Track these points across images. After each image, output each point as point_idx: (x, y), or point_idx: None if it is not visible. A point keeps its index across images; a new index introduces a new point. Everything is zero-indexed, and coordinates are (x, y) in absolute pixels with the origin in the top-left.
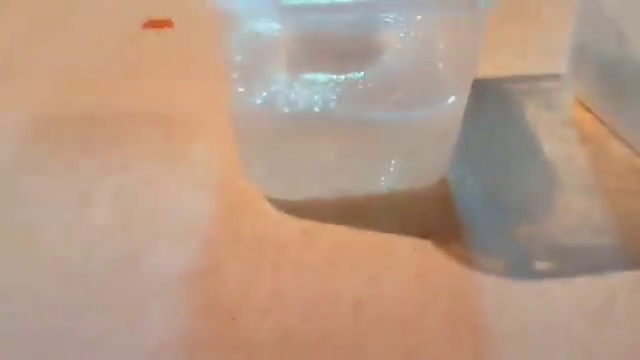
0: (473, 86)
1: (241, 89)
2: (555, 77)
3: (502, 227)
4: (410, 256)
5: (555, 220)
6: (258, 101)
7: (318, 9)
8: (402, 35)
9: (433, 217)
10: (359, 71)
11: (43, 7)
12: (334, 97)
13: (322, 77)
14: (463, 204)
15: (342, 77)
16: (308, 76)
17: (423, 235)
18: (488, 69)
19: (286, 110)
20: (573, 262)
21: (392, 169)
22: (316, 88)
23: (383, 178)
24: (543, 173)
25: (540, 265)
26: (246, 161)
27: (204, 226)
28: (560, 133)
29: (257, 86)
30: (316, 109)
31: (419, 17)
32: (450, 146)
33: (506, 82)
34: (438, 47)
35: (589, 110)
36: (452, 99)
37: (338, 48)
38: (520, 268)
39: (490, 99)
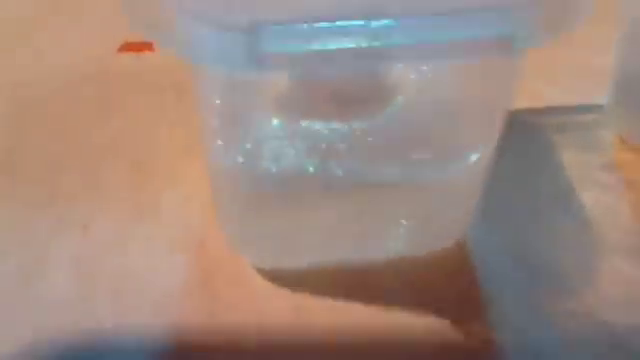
0: None
1: (219, 142)
2: (594, 109)
3: (534, 301)
4: (423, 339)
5: (600, 293)
6: (240, 158)
7: (308, 58)
8: (417, 77)
9: (450, 288)
10: (366, 120)
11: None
12: (335, 153)
13: (320, 126)
14: (486, 271)
15: (345, 127)
16: (303, 124)
17: (438, 311)
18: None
19: (274, 169)
20: (622, 351)
21: (401, 231)
22: (312, 140)
23: (390, 243)
24: (582, 230)
25: (582, 352)
26: (226, 225)
27: (176, 302)
28: (600, 179)
29: (239, 138)
30: (311, 168)
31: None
32: (471, 206)
33: (535, 115)
34: (461, 93)
35: (635, 150)
36: (476, 156)
37: (340, 90)
38: (556, 355)
39: (516, 136)
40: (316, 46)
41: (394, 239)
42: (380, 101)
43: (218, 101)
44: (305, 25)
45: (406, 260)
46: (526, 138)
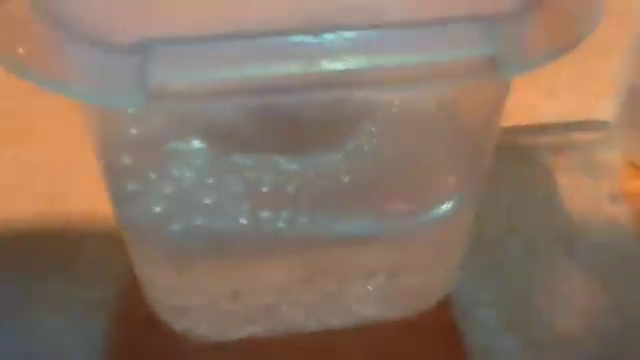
0: None
1: (131, 185)
2: (596, 126)
3: None
4: None
5: None
6: (157, 207)
7: (222, 88)
8: (386, 106)
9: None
10: (320, 157)
11: None
12: (278, 200)
13: (259, 164)
14: (476, 340)
15: (292, 165)
16: (237, 160)
17: None
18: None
19: (200, 221)
20: None
21: (371, 289)
22: (249, 183)
23: (357, 305)
24: (587, 279)
25: None
26: (148, 286)
27: None
28: (606, 211)
29: (158, 177)
30: (243, 220)
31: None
32: (455, 259)
33: (529, 134)
34: (438, 126)
35: None
36: (458, 201)
37: (288, 116)
38: None
39: (508, 161)
40: (231, 72)
41: (362, 301)
42: (339, 132)
43: (125, 133)
44: (217, 42)
45: (379, 326)
46: (519, 162)
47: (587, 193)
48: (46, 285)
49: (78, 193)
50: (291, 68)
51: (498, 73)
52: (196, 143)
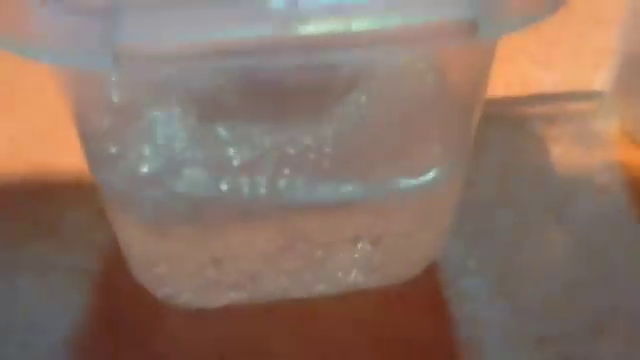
0: None
1: (112, 148)
2: (592, 96)
3: (523, 346)
4: None
5: (604, 333)
6: (135, 173)
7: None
8: (371, 75)
9: (417, 330)
10: (305, 123)
11: None
12: (267, 170)
13: (246, 131)
14: (462, 307)
15: (278, 134)
16: (223, 129)
17: None
18: (497, 85)
19: (181, 187)
20: None
21: (357, 256)
22: (231, 149)
23: (342, 272)
24: (581, 248)
25: None
26: (130, 253)
27: (77, 346)
28: (600, 181)
29: (138, 142)
30: (224, 186)
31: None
32: (443, 225)
33: (522, 104)
34: (424, 94)
35: None
36: (444, 169)
37: (274, 81)
38: None
39: (500, 131)
40: (204, 34)
41: (347, 267)
42: (323, 100)
43: (102, 98)
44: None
45: (364, 294)
46: (510, 133)
47: (579, 162)
48: (30, 251)
49: (64, 160)
50: (265, 31)
51: (479, 35)
52: (176, 110)
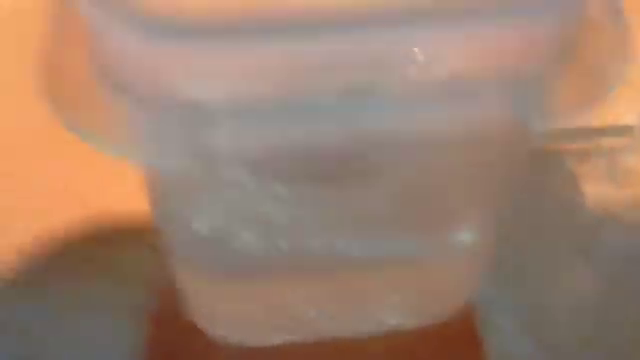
0: None
1: (179, 206)
2: (623, 131)
3: None
4: None
5: None
6: (204, 229)
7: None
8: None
9: None
10: (352, 187)
11: None
12: (322, 226)
13: (304, 191)
14: (496, 346)
15: (332, 196)
16: (280, 188)
17: None
18: None
19: (239, 245)
20: None
21: (396, 302)
22: (293, 209)
23: (383, 315)
24: (611, 286)
25: None
26: (188, 297)
27: None
28: (632, 221)
29: (203, 202)
30: (284, 244)
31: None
32: (478, 270)
33: (551, 139)
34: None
35: None
36: (481, 231)
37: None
38: None
39: (533, 164)
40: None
41: (388, 311)
42: (372, 166)
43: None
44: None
45: (403, 334)
46: (541, 169)
47: (611, 201)
48: (90, 288)
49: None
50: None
51: (528, 133)
52: (242, 173)
